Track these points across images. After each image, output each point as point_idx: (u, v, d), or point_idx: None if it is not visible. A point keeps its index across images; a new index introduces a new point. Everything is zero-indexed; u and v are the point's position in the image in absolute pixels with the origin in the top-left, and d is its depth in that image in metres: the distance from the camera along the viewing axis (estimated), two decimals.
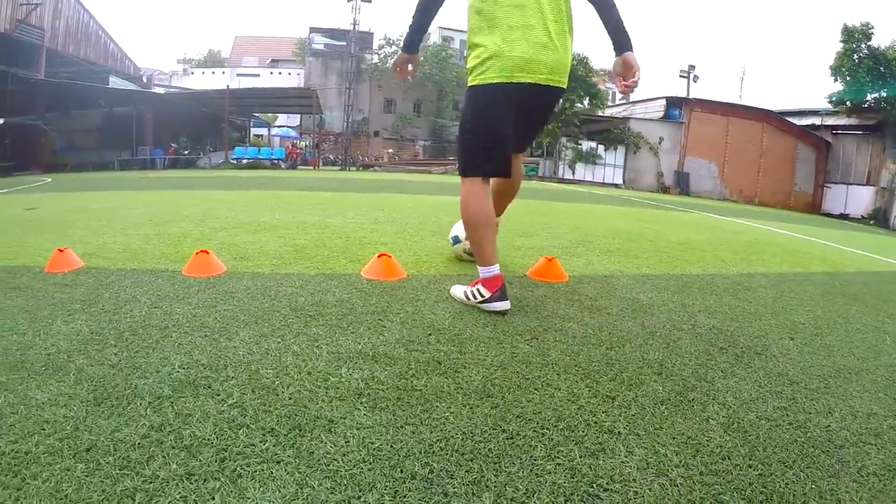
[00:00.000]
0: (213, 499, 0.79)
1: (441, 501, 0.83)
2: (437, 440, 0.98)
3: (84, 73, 18.98)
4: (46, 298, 1.70)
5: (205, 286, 1.88)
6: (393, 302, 1.80)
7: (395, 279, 2.09)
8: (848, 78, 19.45)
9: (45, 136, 17.14)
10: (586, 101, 22.79)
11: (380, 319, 1.61)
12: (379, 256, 2.17)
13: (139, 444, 0.91)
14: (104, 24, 20.77)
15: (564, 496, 0.86)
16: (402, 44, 1.96)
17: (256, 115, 27.32)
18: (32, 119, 16.81)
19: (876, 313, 2.29)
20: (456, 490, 0.85)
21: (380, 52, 30.98)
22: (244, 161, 19.39)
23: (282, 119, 31.66)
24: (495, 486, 0.87)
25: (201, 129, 23.30)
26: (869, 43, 18.95)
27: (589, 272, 2.51)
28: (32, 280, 1.92)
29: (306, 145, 25.90)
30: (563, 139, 21.94)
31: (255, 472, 0.86)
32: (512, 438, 1.01)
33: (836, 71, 19.66)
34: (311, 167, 20.83)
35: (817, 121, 22.18)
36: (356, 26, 25.12)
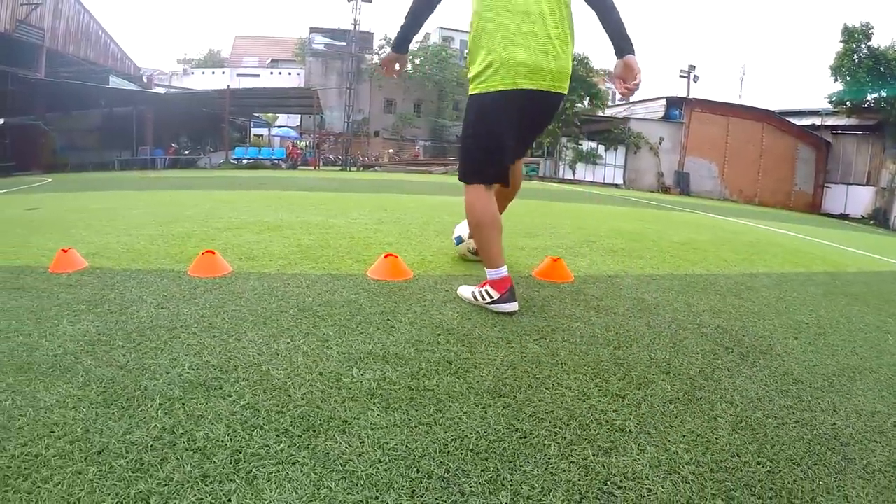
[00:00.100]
0: (230, 501, 0.79)
1: (459, 500, 0.83)
2: (452, 440, 0.99)
3: (84, 73, 18.97)
4: (51, 299, 1.68)
5: (211, 286, 1.88)
6: (401, 302, 1.80)
7: (402, 279, 2.10)
8: (848, 78, 19.46)
9: (45, 136, 17.13)
10: (587, 102, 22.79)
11: (388, 320, 1.62)
12: (385, 257, 2.18)
13: (151, 446, 0.90)
14: (104, 24, 20.81)
15: (580, 494, 0.87)
16: (392, 42, 1.95)
17: (257, 115, 27.32)
18: (33, 119, 16.81)
19: (878, 313, 2.30)
20: (473, 489, 0.86)
21: (380, 53, 30.93)
22: (245, 161, 19.39)
23: (282, 119, 31.66)
24: (511, 485, 0.88)
25: (201, 130, 23.29)
26: (869, 43, 18.97)
27: (594, 272, 2.52)
28: (37, 280, 1.91)
29: (307, 145, 25.89)
30: (564, 139, 21.94)
31: (271, 473, 0.86)
32: (525, 437, 1.02)
33: (836, 71, 19.68)
34: (312, 167, 20.84)
35: (817, 121, 22.19)
36: (357, 26, 25.10)
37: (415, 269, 2.26)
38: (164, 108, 20.52)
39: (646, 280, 2.46)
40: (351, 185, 8.99)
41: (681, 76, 23.91)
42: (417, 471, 0.89)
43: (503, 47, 1.66)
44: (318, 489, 0.83)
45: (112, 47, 21.25)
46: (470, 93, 1.78)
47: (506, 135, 1.74)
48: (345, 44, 27.82)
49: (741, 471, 0.96)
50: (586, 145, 22.09)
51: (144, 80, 24.22)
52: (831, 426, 1.17)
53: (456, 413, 1.09)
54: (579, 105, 22.28)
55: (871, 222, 18.05)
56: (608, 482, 0.90)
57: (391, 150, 28.13)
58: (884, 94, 18.87)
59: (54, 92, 16.81)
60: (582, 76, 21.45)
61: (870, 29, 18.87)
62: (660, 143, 21.85)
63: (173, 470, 0.85)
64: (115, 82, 19.36)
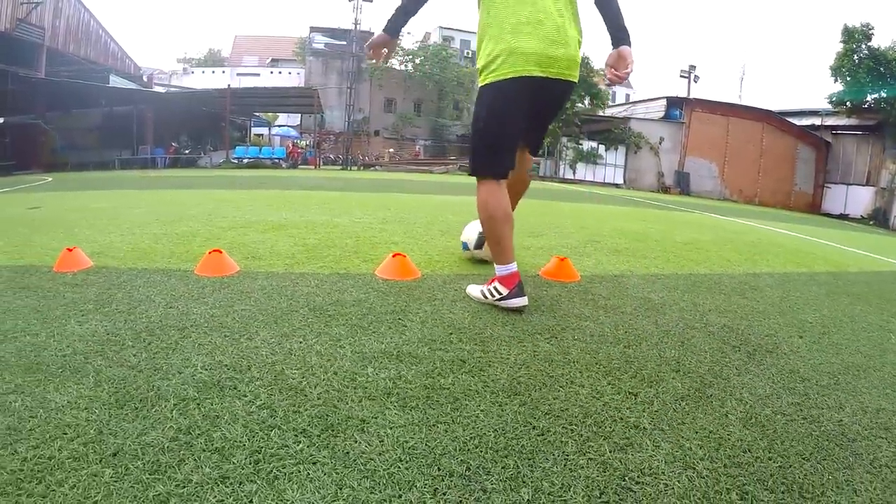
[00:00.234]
0: (252, 502, 0.78)
1: (481, 497, 0.83)
2: (471, 438, 0.99)
3: (84, 72, 18.93)
4: (57, 298, 1.67)
5: (219, 286, 1.88)
6: (411, 301, 1.81)
7: (411, 279, 2.10)
8: (848, 78, 19.49)
9: (45, 136, 17.09)
10: (587, 101, 22.81)
11: (400, 319, 1.62)
12: (393, 256, 2.18)
13: (168, 447, 0.89)
14: (104, 23, 20.87)
15: (599, 489, 0.88)
16: (384, 24, 1.88)
17: (257, 114, 27.28)
18: (33, 118, 16.77)
19: (880, 312, 2.31)
20: (494, 486, 0.86)
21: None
22: (245, 160, 19.37)
23: (282, 118, 31.60)
24: (532, 482, 0.88)
25: (202, 129, 23.27)
26: (869, 43, 18.98)
27: (600, 272, 2.53)
28: (42, 280, 1.89)
29: (307, 145, 25.88)
30: (564, 139, 21.97)
31: (292, 473, 0.85)
32: (543, 435, 1.03)
33: (837, 71, 19.70)
34: (312, 167, 20.83)
35: (817, 121, 22.22)
36: (357, 26, 25.08)
37: (422, 268, 2.27)
38: (164, 107, 20.48)
39: (651, 279, 2.47)
40: (352, 185, 8.99)
41: (681, 76, 23.94)
42: (439, 469, 0.89)
43: (512, 36, 1.67)
44: (341, 489, 0.83)
45: (112, 46, 21.22)
46: (480, 84, 1.77)
47: (516, 124, 1.74)
48: (345, 43, 27.81)
49: (753, 466, 0.98)
50: (587, 145, 22.11)
51: (144, 79, 24.17)
52: (838, 423, 1.18)
53: (473, 411, 1.09)
54: (580, 105, 22.29)
55: (871, 222, 18.08)
56: (626, 478, 0.91)
57: (391, 150, 28.11)
58: (884, 95, 18.89)
59: (54, 91, 16.79)
60: (582, 76, 21.39)
61: (870, 29, 18.89)
62: (660, 143, 21.87)
63: (192, 471, 0.83)
64: (116, 81, 19.32)
